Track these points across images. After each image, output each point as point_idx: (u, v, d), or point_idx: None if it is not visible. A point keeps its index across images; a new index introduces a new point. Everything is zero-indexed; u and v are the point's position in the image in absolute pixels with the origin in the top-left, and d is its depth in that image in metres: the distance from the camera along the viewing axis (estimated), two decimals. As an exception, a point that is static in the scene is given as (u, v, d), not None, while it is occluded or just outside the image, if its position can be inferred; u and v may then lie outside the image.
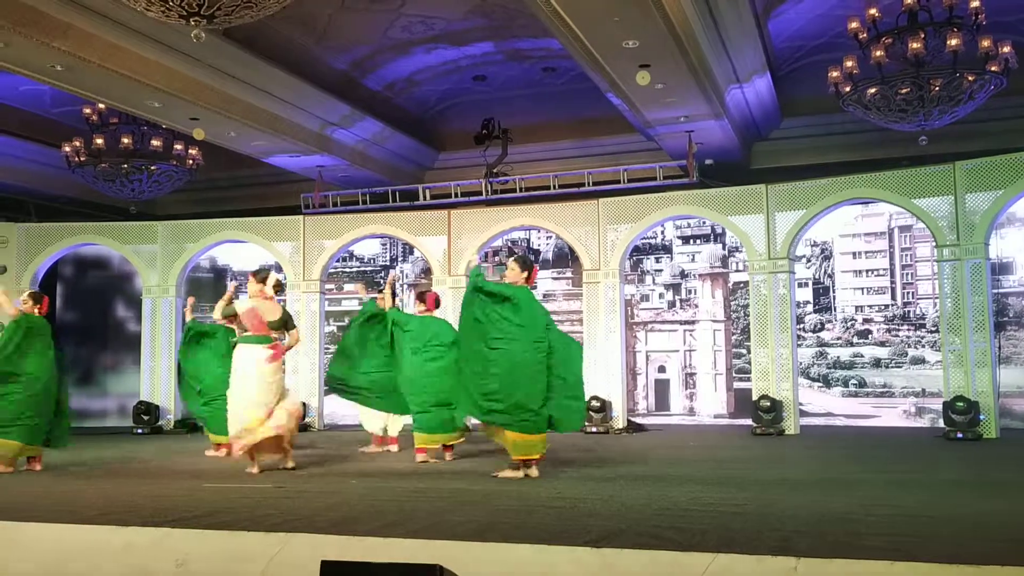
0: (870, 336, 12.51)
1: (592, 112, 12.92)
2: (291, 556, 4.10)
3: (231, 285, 8.42)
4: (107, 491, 6.24)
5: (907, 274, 12.49)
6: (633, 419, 12.10)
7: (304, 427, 12.05)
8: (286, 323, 7.73)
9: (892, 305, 12.50)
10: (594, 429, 11.29)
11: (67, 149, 11.43)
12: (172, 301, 13.12)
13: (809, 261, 12.92)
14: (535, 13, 8.63)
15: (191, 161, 11.89)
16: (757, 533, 4.16)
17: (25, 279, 12.74)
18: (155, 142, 11.53)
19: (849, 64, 9.28)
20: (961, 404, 9.95)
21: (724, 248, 13.23)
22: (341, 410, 12.99)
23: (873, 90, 9.18)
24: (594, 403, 11.41)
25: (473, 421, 7.85)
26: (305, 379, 12.69)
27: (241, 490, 6.10)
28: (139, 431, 12.48)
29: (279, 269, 12.97)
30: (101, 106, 11.18)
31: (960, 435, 9.78)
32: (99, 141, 11.32)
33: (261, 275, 7.74)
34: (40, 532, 4.74)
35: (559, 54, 11.63)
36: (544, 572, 3.79)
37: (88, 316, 14.74)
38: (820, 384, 12.63)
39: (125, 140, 11.37)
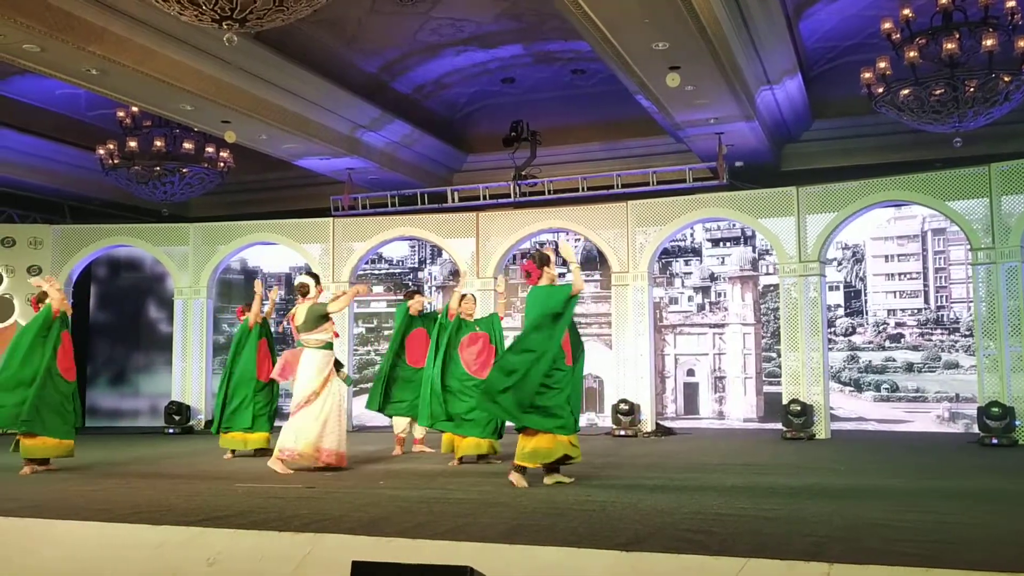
0: (903, 340, 12.35)
1: (621, 114, 12.89)
2: (321, 556, 4.12)
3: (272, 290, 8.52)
4: (140, 490, 6.32)
5: (940, 277, 12.32)
6: (662, 422, 12.05)
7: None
8: None
9: (925, 309, 12.33)
10: (622, 432, 11.26)
11: (101, 152, 11.60)
12: (203, 302, 13.28)
13: (840, 264, 12.79)
14: (565, 16, 8.63)
15: (222, 164, 12.02)
16: (788, 538, 4.13)
17: (60, 280, 12.90)
18: (187, 145, 11.66)
19: (882, 65, 9.17)
20: (996, 409, 9.82)
21: (754, 251, 13.13)
22: (369, 411, 13.03)
23: (906, 91, 9.07)
24: (622, 406, 11.42)
25: None
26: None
27: (272, 490, 6.15)
28: (170, 431, 12.62)
29: (308, 271, 13.05)
30: (135, 109, 11.33)
31: (995, 441, 9.66)
32: (132, 144, 11.47)
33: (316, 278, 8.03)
34: (75, 530, 4.81)
35: (588, 56, 11.62)
36: (573, 575, 3.78)
37: (121, 317, 14.95)
38: (851, 388, 12.49)
39: (158, 143, 11.51)
